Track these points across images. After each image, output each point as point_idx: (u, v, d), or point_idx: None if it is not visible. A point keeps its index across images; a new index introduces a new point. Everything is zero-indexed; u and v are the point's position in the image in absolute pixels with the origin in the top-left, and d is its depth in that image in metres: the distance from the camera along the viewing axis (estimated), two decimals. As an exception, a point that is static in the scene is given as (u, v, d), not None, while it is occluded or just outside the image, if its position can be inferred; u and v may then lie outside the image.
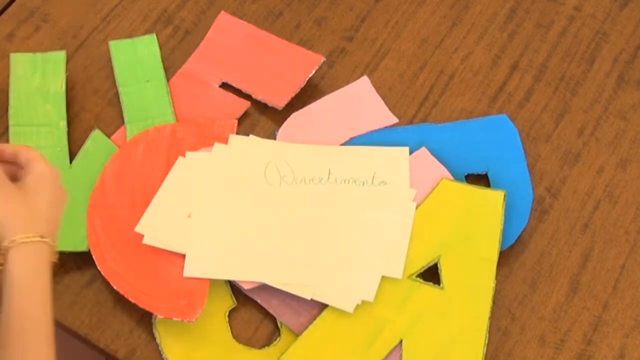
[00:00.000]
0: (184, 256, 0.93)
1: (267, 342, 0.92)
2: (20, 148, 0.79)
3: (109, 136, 1.02)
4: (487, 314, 0.91)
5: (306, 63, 1.07)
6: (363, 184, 0.98)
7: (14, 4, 1.13)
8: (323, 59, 1.07)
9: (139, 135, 1.01)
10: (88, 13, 1.13)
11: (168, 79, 1.07)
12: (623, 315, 0.95)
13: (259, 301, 0.93)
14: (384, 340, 0.90)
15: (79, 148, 1.01)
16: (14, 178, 0.78)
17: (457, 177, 0.99)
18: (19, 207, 0.75)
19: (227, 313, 0.92)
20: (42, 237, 0.74)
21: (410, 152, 1.01)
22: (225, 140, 1.01)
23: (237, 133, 1.03)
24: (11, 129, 1.01)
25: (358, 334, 0.90)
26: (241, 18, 1.13)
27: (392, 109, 1.06)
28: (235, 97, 1.06)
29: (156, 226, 0.95)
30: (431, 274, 0.94)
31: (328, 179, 0.99)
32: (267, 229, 0.95)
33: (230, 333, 0.92)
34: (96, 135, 1.02)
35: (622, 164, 1.04)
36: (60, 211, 0.79)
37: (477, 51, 1.12)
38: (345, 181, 0.98)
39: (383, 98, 1.07)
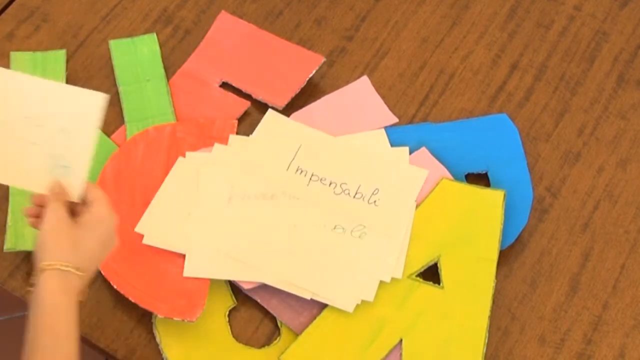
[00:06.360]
0: (184, 256, 0.93)
1: (267, 342, 0.92)
2: (89, 186, 0.80)
3: (109, 136, 1.02)
4: (487, 314, 0.91)
5: (306, 63, 1.07)
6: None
7: (13, 3, 1.13)
8: (323, 59, 1.07)
9: (138, 135, 1.01)
10: (88, 13, 1.13)
11: (168, 79, 1.07)
12: (623, 314, 0.95)
13: (259, 301, 0.93)
14: (383, 339, 0.90)
15: (79, 148, 1.01)
16: (74, 213, 0.79)
17: (457, 177, 0.99)
18: (65, 238, 0.76)
19: (227, 313, 0.92)
20: (77, 269, 0.75)
21: (410, 152, 1.01)
22: (225, 140, 1.01)
23: (237, 133, 1.03)
24: (11, 129, 1.01)
25: (358, 334, 0.90)
26: (241, 18, 1.13)
27: (392, 108, 1.06)
28: (235, 97, 1.06)
29: (156, 226, 0.95)
30: (431, 274, 0.94)
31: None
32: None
33: (230, 333, 0.92)
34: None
35: (622, 163, 1.04)
36: (105, 256, 0.80)
37: (477, 51, 1.12)
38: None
39: (383, 98, 1.07)
